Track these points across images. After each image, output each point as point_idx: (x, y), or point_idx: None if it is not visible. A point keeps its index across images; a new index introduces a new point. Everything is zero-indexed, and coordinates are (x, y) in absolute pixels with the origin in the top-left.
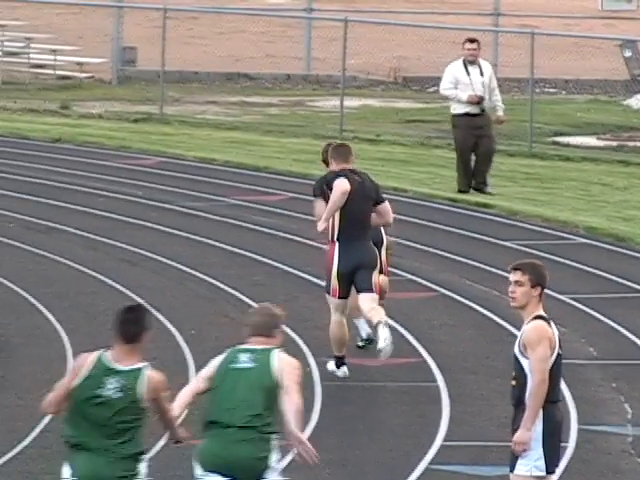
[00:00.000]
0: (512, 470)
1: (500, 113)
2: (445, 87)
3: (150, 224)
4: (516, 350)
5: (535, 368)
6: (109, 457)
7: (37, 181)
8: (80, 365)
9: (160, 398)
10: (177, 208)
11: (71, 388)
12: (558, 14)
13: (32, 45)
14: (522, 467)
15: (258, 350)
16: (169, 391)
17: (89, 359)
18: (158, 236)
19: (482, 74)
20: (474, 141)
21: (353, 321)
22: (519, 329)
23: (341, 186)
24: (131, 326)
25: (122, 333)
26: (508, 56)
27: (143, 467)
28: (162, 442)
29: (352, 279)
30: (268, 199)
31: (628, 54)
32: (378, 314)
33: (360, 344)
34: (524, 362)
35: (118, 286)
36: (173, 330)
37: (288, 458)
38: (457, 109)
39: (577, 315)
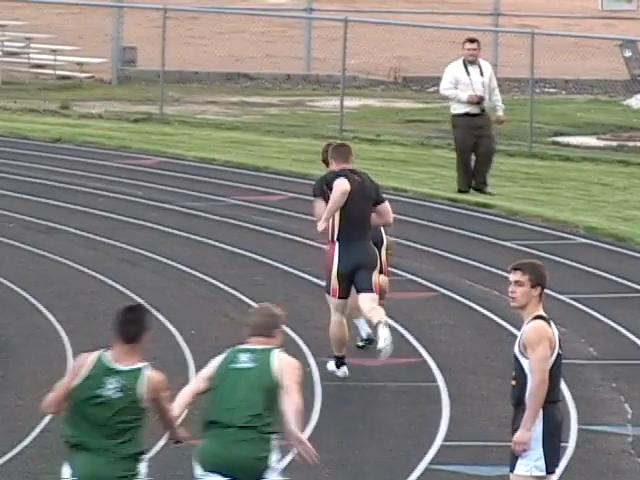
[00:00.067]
0: (512, 470)
1: (500, 113)
2: (445, 87)
3: (150, 224)
4: (516, 350)
5: (535, 368)
6: (109, 457)
7: (37, 181)
8: (80, 365)
9: (160, 398)
10: (177, 208)
11: (71, 388)
12: (558, 14)
13: (32, 45)
14: (522, 467)
15: (258, 350)
16: (169, 391)
17: (89, 359)
18: (158, 236)
19: (482, 74)
20: (474, 141)
21: (353, 321)
22: (519, 329)
23: (341, 186)
24: (131, 326)
25: (122, 333)
26: (508, 56)
27: (143, 467)
28: (162, 442)
29: (352, 279)
30: (268, 199)
31: (628, 54)
32: (378, 314)
33: (360, 344)
34: (524, 362)
35: (118, 286)
36: (173, 330)
37: (288, 458)
38: (457, 109)
39: (577, 315)
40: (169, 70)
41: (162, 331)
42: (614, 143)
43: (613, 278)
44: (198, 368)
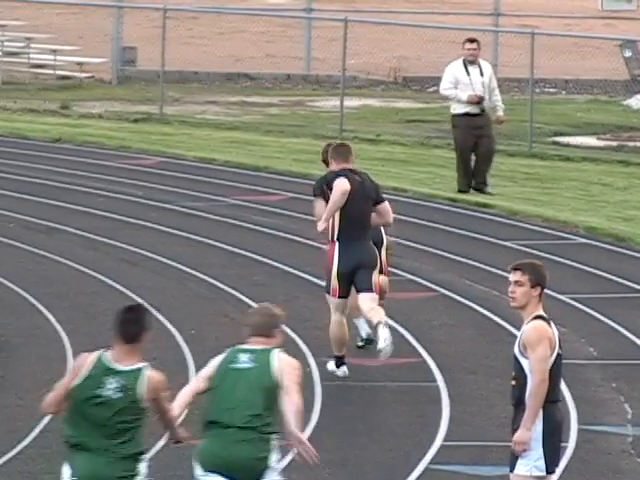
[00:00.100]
0: (512, 470)
1: (500, 113)
2: (445, 87)
3: (150, 224)
4: (516, 350)
5: (535, 368)
6: (109, 457)
7: (37, 181)
8: (80, 365)
9: (160, 398)
10: (177, 208)
11: (71, 388)
12: (558, 14)
13: (32, 45)
14: (522, 467)
15: (258, 350)
16: (169, 391)
17: (89, 359)
18: (158, 236)
19: (482, 74)
20: (474, 141)
21: (353, 321)
22: (519, 329)
23: (341, 186)
24: (131, 326)
25: (122, 333)
26: (508, 56)
27: (143, 467)
28: (162, 442)
29: (352, 279)
30: (268, 199)
31: (628, 54)
32: (378, 314)
33: (360, 344)
34: (524, 362)
35: (118, 286)
36: (173, 330)
37: (288, 458)
38: (457, 109)
39: (577, 315)
40: (169, 70)
41: (162, 331)
42: (614, 143)
43: (613, 278)
44: (198, 368)
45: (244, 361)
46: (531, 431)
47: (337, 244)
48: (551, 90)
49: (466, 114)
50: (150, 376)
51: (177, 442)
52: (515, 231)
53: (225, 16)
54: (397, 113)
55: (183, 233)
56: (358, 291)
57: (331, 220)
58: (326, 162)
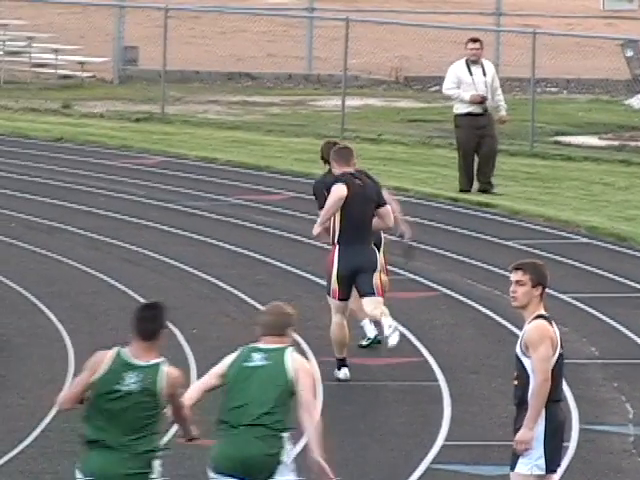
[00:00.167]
0: (513, 469)
1: (503, 113)
2: (448, 87)
3: (152, 224)
4: (518, 350)
5: (537, 368)
6: (123, 454)
7: (39, 180)
8: (99, 361)
9: (177, 394)
10: (179, 208)
11: (90, 383)
12: (560, 14)
13: (34, 44)
14: (523, 466)
15: (271, 349)
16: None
17: (108, 355)
18: (160, 236)
19: (485, 74)
20: (477, 141)
21: (360, 324)
22: (520, 329)
23: (338, 192)
24: (149, 324)
25: (140, 331)
26: (510, 56)
27: (157, 465)
28: (163, 441)
29: (352, 281)
30: (270, 198)
31: (629, 54)
32: (379, 308)
33: (364, 343)
34: (526, 362)
35: (120, 286)
36: (175, 329)
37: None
38: (460, 109)
39: (578, 315)
40: (171, 69)
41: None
42: (616, 143)
43: (615, 278)
44: (199, 367)
45: (257, 359)
46: (533, 430)
47: (337, 247)
48: (553, 90)
49: (469, 114)
50: (168, 372)
51: (189, 440)
52: (517, 231)
53: (227, 15)
54: (399, 113)
55: (185, 233)
56: (361, 295)
57: (332, 223)
58: (324, 159)
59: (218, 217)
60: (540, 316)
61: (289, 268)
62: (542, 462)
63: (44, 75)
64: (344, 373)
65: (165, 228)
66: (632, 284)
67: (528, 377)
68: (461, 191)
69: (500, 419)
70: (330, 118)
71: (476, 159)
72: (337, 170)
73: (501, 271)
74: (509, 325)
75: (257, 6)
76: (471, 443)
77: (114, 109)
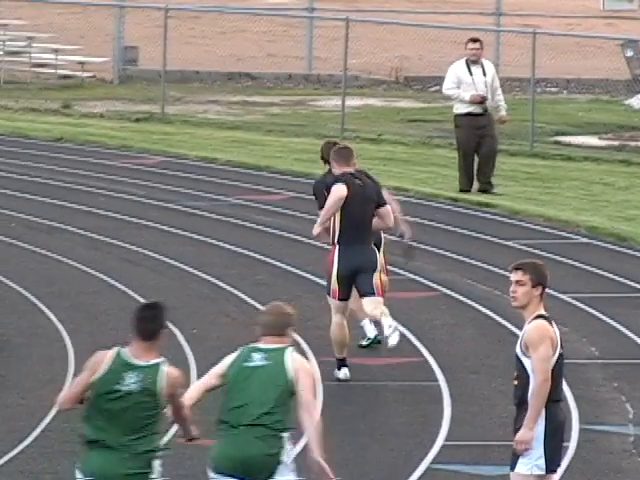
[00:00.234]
0: (513, 469)
1: (503, 113)
2: (448, 87)
3: (152, 224)
4: (518, 350)
5: (538, 368)
6: (123, 454)
7: (39, 180)
8: (99, 361)
9: (177, 394)
10: (179, 208)
11: (90, 383)
12: (560, 14)
13: (34, 44)
14: (523, 466)
15: (271, 349)
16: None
17: (108, 355)
18: (160, 236)
19: (485, 74)
20: (477, 141)
21: (360, 324)
22: (520, 329)
23: (337, 192)
24: (149, 324)
25: (140, 331)
26: (510, 56)
27: (157, 465)
28: (164, 440)
29: (352, 281)
30: (270, 198)
31: (629, 54)
32: (379, 309)
33: (364, 343)
34: (526, 362)
35: (120, 286)
36: (175, 329)
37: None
38: (460, 109)
39: (578, 315)
40: (170, 69)
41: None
42: (615, 143)
43: (615, 278)
44: (199, 368)
45: (257, 359)
46: (533, 430)
47: (337, 247)
48: (553, 90)
49: (469, 114)
50: (168, 372)
51: (189, 440)
52: (517, 231)
53: (227, 15)
54: (398, 113)
55: (185, 233)
56: (361, 295)
57: (332, 223)
58: (324, 159)
59: (218, 217)
60: (540, 316)
61: (289, 268)
62: (542, 462)
63: (44, 75)
64: (344, 373)
65: (165, 228)
66: (632, 284)
67: (528, 377)
68: (461, 191)
69: (500, 419)
70: (330, 118)
71: (476, 159)
72: (337, 170)
73: (501, 271)
74: (509, 325)
75: (257, 6)
76: (471, 443)
77: (114, 109)
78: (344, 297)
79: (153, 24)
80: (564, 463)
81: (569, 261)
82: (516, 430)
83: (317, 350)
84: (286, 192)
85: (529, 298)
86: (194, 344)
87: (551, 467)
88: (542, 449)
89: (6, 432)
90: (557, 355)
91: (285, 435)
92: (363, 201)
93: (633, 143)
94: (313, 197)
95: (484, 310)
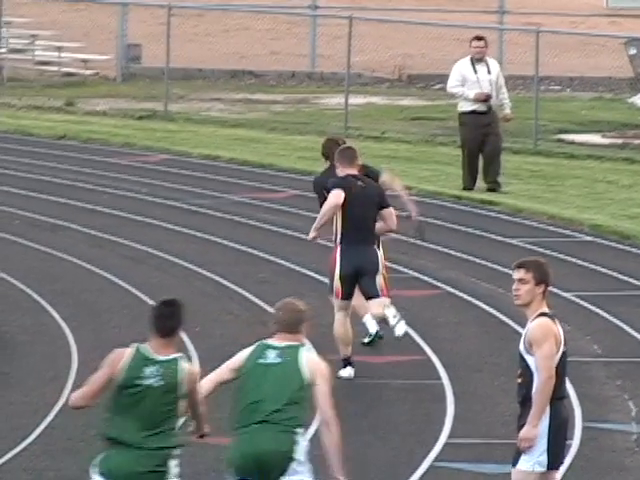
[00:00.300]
0: (514, 465)
1: (507, 111)
2: (452, 85)
3: (155, 221)
4: (521, 348)
5: (541, 365)
6: (141, 451)
7: (42, 178)
8: (118, 358)
9: (195, 389)
10: (182, 205)
11: (110, 380)
12: (563, 12)
13: (37, 42)
14: (525, 462)
15: (285, 347)
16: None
17: (127, 352)
18: (163, 233)
19: (489, 72)
20: (481, 139)
21: (362, 320)
22: (523, 327)
23: (333, 200)
24: (167, 321)
25: (158, 327)
26: (513, 54)
27: (174, 465)
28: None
29: (354, 281)
30: (273, 196)
31: (633, 52)
32: (383, 306)
33: (366, 340)
34: (529, 359)
35: (123, 284)
36: None
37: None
38: (464, 107)
39: (582, 313)
40: (174, 67)
41: None
42: (619, 141)
43: (618, 276)
44: (203, 365)
45: (271, 357)
46: (537, 428)
47: (339, 247)
48: (556, 88)
49: (473, 112)
50: (187, 367)
51: (201, 436)
52: (520, 229)
53: (230, 13)
54: (402, 111)
55: (188, 230)
56: (367, 298)
57: (334, 223)
58: (325, 156)
59: (221, 215)
60: (543, 314)
61: (293, 266)
62: (544, 459)
63: (47, 73)
64: (348, 373)
65: (168, 226)
66: (635, 282)
67: (532, 375)
68: (464, 189)
69: (503, 417)
70: (333, 116)
71: (480, 157)
72: (340, 171)
73: (504, 269)
74: (512, 323)
75: (261, 4)
76: (474, 441)
77: (117, 107)
78: (346, 296)
79: (156, 22)
80: (567, 461)
81: (572, 259)
82: (520, 428)
83: (320, 348)
84: (289, 190)
85: (532, 296)
86: (198, 342)
87: (554, 464)
88: (545, 446)
89: (9, 429)
90: (561, 353)
91: (299, 432)
92: (365, 202)
93: (636, 141)
94: (314, 194)
95: (487, 308)
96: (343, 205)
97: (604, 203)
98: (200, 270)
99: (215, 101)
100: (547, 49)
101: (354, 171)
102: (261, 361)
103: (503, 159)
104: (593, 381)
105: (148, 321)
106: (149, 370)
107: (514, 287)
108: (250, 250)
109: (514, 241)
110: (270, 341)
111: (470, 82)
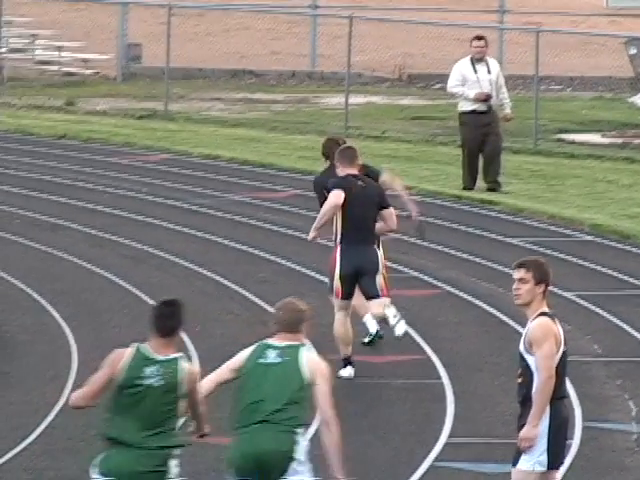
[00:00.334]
0: (515, 465)
1: (507, 111)
2: (452, 85)
3: (155, 221)
4: (521, 347)
5: (542, 365)
6: (141, 451)
7: (42, 178)
8: (118, 358)
9: (195, 389)
10: (183, 205)
11: (109, 380)
12: (563, 11)
13: (37, 42)
14: (525, 462)
15: (285, 347)
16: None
17: (127, 351)
18: (164, 233)
19: (489, 72)
20: (481, 139)
21: (362, 320)
22: (524, 326)
23: (333, 200)
24: (167, 320)
25: (159, 327)
26: (513, 53)
27: (174, 465)
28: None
29: (354, 281)
30: (273, 196)
31: (633, 51)
32: (384, 306)
33: (366, 340)
34: (530, 359)
35: (123, 283)
36: None
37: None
38: (464, 107)
39: (582, 312)
40: (174, 67)
41: None
42: (619, 140)
43: (618, 275)
44: (203, 365)
45: (272, 357)
46: (537, 428)
47: (340, 247)
48: (556, 87)
49: (473, 112)
50: (187, 367)
51: (201, 436)
52: (520, 228)
53: (230, 13)
54: (402, 110)
55: (189, 230)
56: (368, 299)
57: (334, 223)
58: (326, 155)
59: (222, 215)
60: (543, 313)
61: (293, 266)
62: (544, 459)
63: (48, 72)
64: (349, 372)
65: (169, 225)
66: (635, 282)
67: (532, 375)
68: (464, 189)
69: (503, 417)
70: (334, 115)
71: (480, 157)
72: (340, 171)
73: (505, 269)
74: (512, 323)
75: (261, 3)
76: (474, 441)
77: (117, 106)
78: (347, 296)
79: (157, 21)
80: (567, 460)
81: (573, 259)
82: (520, 427)
83: (320, 348)
84: (290, 189)
85: (532, 296)
86: (198, 342)
87: (554, 464)
88: (545, 446)
89: (9, 429)
90: (561, 352)
91: (299, 432)
92: (365, 202)
93: (637, 141)
94: (313, 193)
95: (488, 308)
96: (343, 205)
97: (604, 203)
98: (200, 270)
99: (215, 101)
100: (547, 49)
101: (354, 171)
102: (261, 361)
103: (503, 159)
104: (593, 381)
105: (148, 321)
106: (149, 370)
107: (514, 287)
108: (250, 250)
109: (514, 241)
110: (270, 341)
111: (470, 82)
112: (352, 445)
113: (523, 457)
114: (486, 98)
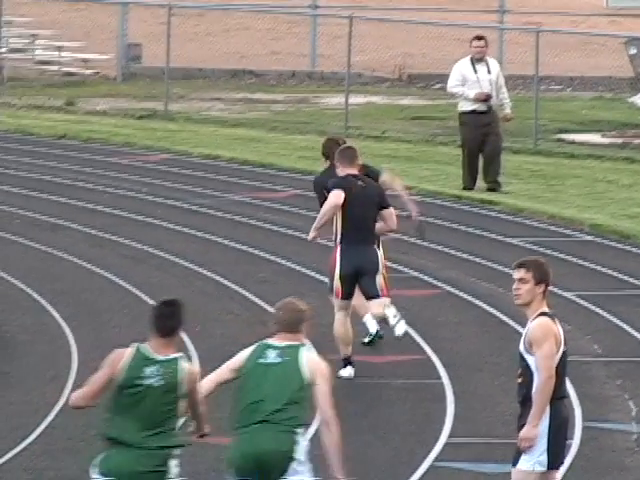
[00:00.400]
0: (514, 465)
1: (508, 111)
2: (452, 85)
3: (155, 221)
4: (521, 347)
5: (542, 365)
6: (140, 451)
7: (42, 178)
8: (118, 358)
9: (195, 389)
10: (183, 205)
11: (109, 380)
12: (563, 11)
13: (37, 42)
14: (525, 462)
15: (285, 347)
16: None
17: (127, 351)
18: (164, 233)
19: (489, 72)
20: (481, 139)
21: (362, 320)
22: (524, 326)
23: (333, 200)
24: (167, 320)
25: (159, 327)
26: (513, 53)
27: (174, 465)
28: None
29: (354, 281)
30: (273, 196)
31: (633, 51)
32: (384, 306)
33: (366, 340)
34: (530, 359)
35: (123, 283)
36: None
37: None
38: (464, 107)
39: (582, 312)
40: (174, 67)
41: None
42: (619, 140)
43: (618, 275)
44: (203, 365)
45: (272, 357)
46: (537, 428)
47: (339, 247)
48: (556, 87)
49: (473, 112)
50: (187, 367)
51: (201, 436)
52: (520, 228)
53: (230, 13)
54: (402, 110)
55: (189, 230)
56: (368, 299)
57: (334, 223)
58: (326, 155)
59: (222, 214)
60: (543, 313)
61: (293, 266)
62: (544, 459)
63: (48, 72)
64: (349, 372)
65: (169, 225)
66: (635, 282)
67: (532, 375)
68: (464, 189)
69: (503, 417)
70: (333, 115)
71: (480, 157)
72: (340, 171)
73: (505, 269)
74: (512, 323)
75: (261, 3)
76: (474, 441)
77: (117, 106)
78: (347, 296)
79: (157, 21)
80: (567, 460)
81: (573, 259)
82: (520, 427)
83: (320, 348)
84: (290, 189)
85: (532, 296)
86: (198, 342)
87: (554, 464)
88: (545, 446)
89: (9, 429)
90: (561, 352)
91: (299, 432)
92: (365, 202)
93: (637, 141)
94: (313, 193)
95: (488, 308)
96: (343, 205)
97: (604, 203)
98: (200, 270)
99: (215, 101)
100: (547, 49)
101: (354, 171)
102: (261, 361)
103: (503, 159)
104: (593, 381)
105: (148, 321)
106: (149, 370)
107: (514, 287)
108: (250, 250)
109: (514, 241)
110: (270, 341)
111: (470, 82)
112: (352, 445)
113: (523, 457)
114: (486, 98)
